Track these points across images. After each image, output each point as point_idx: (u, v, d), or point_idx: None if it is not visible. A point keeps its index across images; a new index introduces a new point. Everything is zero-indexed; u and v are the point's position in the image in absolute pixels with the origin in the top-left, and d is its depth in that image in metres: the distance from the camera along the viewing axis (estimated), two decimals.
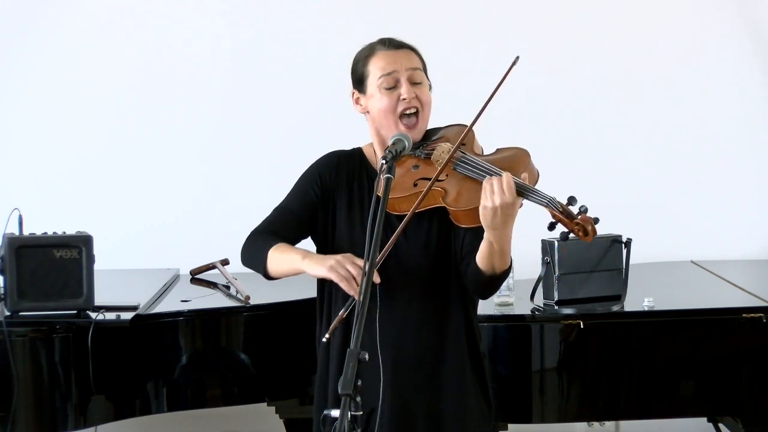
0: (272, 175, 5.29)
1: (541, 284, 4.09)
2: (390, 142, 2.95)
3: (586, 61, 5.37)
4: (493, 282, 2.97)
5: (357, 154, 3.17)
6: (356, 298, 2.82)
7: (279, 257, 3.03)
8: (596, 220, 2.85)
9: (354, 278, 2.87)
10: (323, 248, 3.12)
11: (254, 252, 3.10)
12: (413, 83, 3.04)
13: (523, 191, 2.85)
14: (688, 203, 5.37)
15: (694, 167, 5.39)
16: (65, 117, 5.34)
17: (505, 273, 2.96)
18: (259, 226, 3.15)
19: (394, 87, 3.03)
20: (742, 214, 5.39)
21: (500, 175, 2.83)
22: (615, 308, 4.06)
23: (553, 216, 2.85)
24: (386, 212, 2.92)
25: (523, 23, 5.37)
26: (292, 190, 3.17)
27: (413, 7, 5.33)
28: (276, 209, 3.16)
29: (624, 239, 4.14)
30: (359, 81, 3.09)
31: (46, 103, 5.35)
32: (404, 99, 3.02)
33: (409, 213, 2.89)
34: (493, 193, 2.81)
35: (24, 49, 5.32)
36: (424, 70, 3.10)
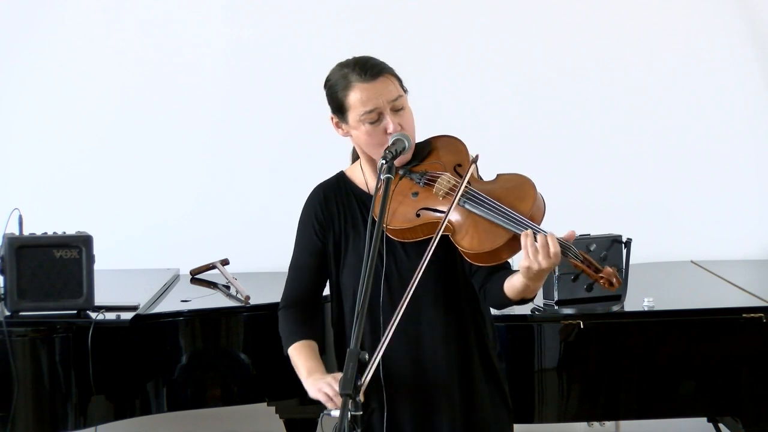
0: (272, 175, 5.31)
1: None
2: (390, 142, 2.94)
3: (586, 61, 5.37)
4: (516, 304, 2.99)
5: (340, 179, 3.15)
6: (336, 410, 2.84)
7: (294, 360, 3.09)
8: (619, 270, 2.84)
9: (332, 400, 2.87)
10: (332, 280, 3.12)
11: (282, 335, 3.14)
12: (396, 111, 2.99)
13: (564, 251, 2.81)
14: (688, 203, 5.37)
15: (694, 167, 5.39)
16: (65, 117, 5.34)
17: (532, 298, 2.96)
18: (283, 299, 3.16)
19: (377, 120, 2.98)
20: (742, 214, 5.39)
21: (542, 234, 2.79)
22: (615, 308, 4.05)
23: (576, 266, 2.83)
24: (389, 238, 2.95)
25: (523, 23, 5.37)
26: (295, 244, 3.16)
27: (412, 7, 5.33)
28: (290, 270, 3.16)
29: (624, 239, 4.14)
30: (338, 109, 3.04)
31: (45, 103, 5.35)
32: (390, 133, 2.97)
33: (422, 264, 2.83)
34: (537, 254, 2.77)
35: (24, 49, 5.32)
36: (400, 80, 3.03)
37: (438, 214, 2.92)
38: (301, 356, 3.06)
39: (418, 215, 2.96)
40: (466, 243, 2.89)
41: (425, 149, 3.07)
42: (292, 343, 3.09)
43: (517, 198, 2.89)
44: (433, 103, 4.92)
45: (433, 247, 2.83)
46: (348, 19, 5.31)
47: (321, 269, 3.12)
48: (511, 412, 3.13)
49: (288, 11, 5.36)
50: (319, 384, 2.93)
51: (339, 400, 2.80)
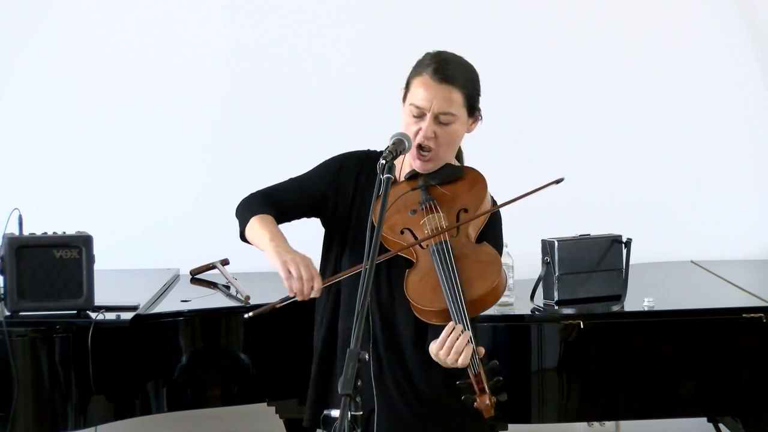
0: (272, 175, 5.24)
1: (541, 284, 4.09)
2: (390, 142, 2.95)
3: (587, 61, 5.37)
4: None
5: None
6: (291, 295, 2.89)
7: (256, 227, 3.04)
8: (502, 398, 2.83)
9: (302, 281, 2.87)
10: (330, 241, 3.12)
11: (243, 210, 3.12)
12: (439, 123, 3.00)
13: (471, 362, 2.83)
14: (688, 203, 5.37)
15: (694, 167, 5.39)
16: (65, 117, 5.34)
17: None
18: (265, 188, 3.17)
19: (418, 117, 3.01)
20: (742, 214, 5.39)
21: (459, 344, 2.79)
22: (615, 308, 4.06)
23: (470, 375, 2.83)
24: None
25: (523, 23, 5.37)
26: (312, 168, 3.18)
27: (412, 7, 5.32)
28: (289, 179, 3.17)
29: (624, 239, 4.14)
30: (406, 85, 3.07)
31: (45, 102, 5.34)
32: (420, 134, 3.00)
33: (373, 260, 2.82)
34: (447, 354, 2.80)
35: (24, 48, 5.32)
36: (470, 102, 3.04)
37: (412, 242, 2.95)
38: (265, 223, 3.02)
39: (402, 232, 2.99)
40: (410, 288, 2.93)
41: (454, 175, 3.08)
42: (256, 213, 3.05)
43: (478, 277, 2.91)
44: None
45: (375, 260, 2.79)
46: (348, 19, 5.32)
47: (308, 198, 3.13)
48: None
49: (288, 11, 5.35)
50: (285, 257, 2.91)
51: (297, 286, 2.86)
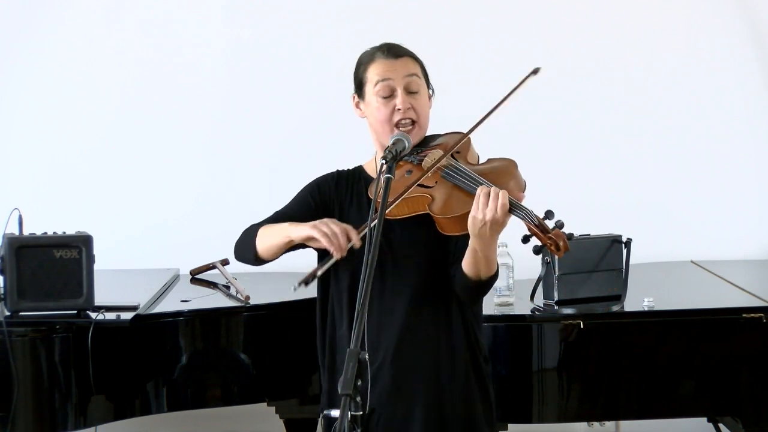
0: (272, 175, 5.31)
1: (541, 284, 4.09)
2: (390, 143, 2.95)
3: (587, 62, 5.37)
4: (479, 288, 2.97)
5: (357, 170, 3.19)
6: (335, 255, 2.86)
7: (269, 232, 3.05)
8: (570, 236, 2.84)
9: (337, 236, 2.87)
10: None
11: (245, 238, 3.13)
12: (410, 92, 3.05)
13: (513, 209, 2.83)
14: (688, 203, 5.37)
15: (694, 167, 5.39)
16: (65, 116, 5.34)
17: (492, 279, 2.96)
18: (255, 223, 3.16)
19: (390, 96, 3.04)
20: (742, 214, 5.39)
21: (495, 188, 2.82)
22: (615, 308, 4.06)
23: (529, 229, 2.84)
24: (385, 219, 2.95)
25: (523, 23, 5.37)
26: (291, 200, 3.18)
27: (413, 8, 5.33)
28: (275, 213, 3.17)
29: (624, 239, 4.14)
30: (359, 86, 3.11)
31: (45, 102, 5.35)
32: (399, 110, 3.03)
33: (386, 204, 2.85)
34: (485, 206, 2.81)
35: (24, 48, 5.32)
36: (425, 77, 3.11)
37: (421, 188, 2.95)
38: (275, 224, 3.04)
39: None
40: (437, 209, 2.92)
41: (434, 139, 3.12)
42: (260, 228, 3.07)
43: (497, 175, 2.94)
44: (433, 102, 4.92)
45: (402, 200, 2.88)
46: (348, 19, 5.32)
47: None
48: (494, 417, 3.12)
49: (288, 11, 5.36)
50: (312, 222, 2.92)
51: (334, 242, 2.85)
